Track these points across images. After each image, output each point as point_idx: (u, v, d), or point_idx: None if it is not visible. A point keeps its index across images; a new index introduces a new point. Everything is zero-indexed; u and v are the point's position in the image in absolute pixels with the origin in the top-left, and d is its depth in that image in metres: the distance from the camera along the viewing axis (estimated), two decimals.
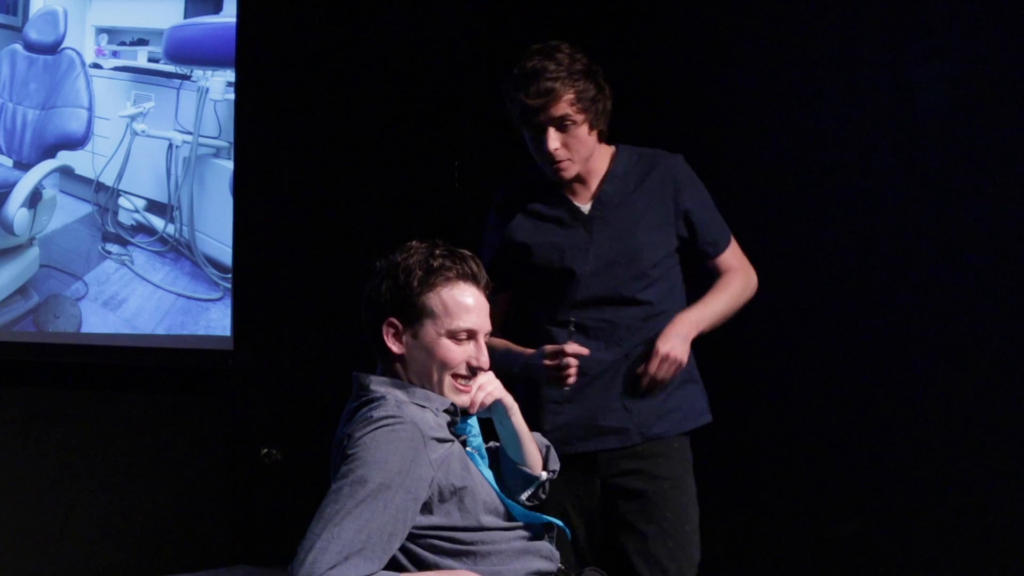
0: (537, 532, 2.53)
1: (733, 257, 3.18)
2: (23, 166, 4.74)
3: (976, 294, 3.55)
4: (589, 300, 3.06)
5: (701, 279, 3.15)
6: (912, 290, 3.65)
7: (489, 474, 2.54)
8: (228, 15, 4.70)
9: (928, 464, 3.62)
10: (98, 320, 4.72)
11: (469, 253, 2.54)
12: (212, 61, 4.71)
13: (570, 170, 3.05)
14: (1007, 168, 3.51)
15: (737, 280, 3.16)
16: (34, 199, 4.72)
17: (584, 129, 3.02)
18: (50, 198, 4.74)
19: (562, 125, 3.00)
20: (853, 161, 3.75)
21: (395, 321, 2.48)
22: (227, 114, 4.68)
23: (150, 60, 4.75)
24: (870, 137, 3.72)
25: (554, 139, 3.00)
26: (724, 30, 4.02)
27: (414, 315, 2.47)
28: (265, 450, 4.61)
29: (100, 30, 4.77)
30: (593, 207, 3.10)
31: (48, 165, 4.75)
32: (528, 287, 3.13)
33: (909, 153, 3.65)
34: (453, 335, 2.47)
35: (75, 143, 4.75)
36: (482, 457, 2.58)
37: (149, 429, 4.79)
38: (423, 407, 2.45)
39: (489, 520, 2.43)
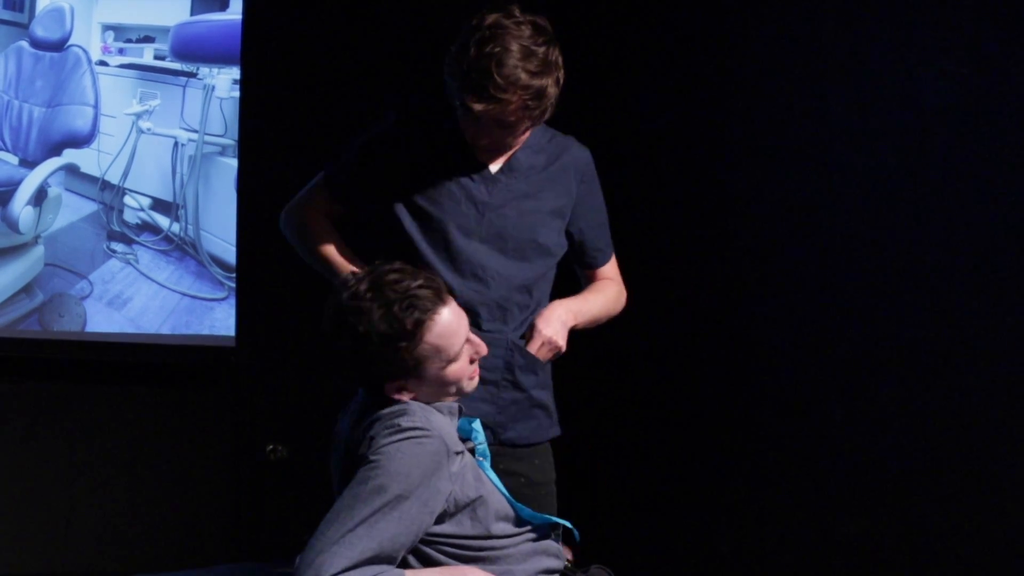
0: (543, 531, 2.55)
1: (612, 270, 3.04)
2: (28, 164, 4.73)
3: (980, 294, 3.55)
4: (474, 265, 2.83)
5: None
6: (916, 289, 3.64)
7: (495, 477, 2.55)
8: (234, 12, 4.69)
9: (931, 464, 3.62)
10: (103, 319, 4.72)
11: (419, 275, 2.43)
12: (218, 59, 4.71)
13: (492, 157, 2.83)
14: (1013, 167, 3.50)
15: (613, 288, 3.02)
16: (39, 197, 4.72)
17: (524, 127, 2.74)
18: (55, 196, 4.73)
19: (501, 125, 2.71)
20: (857, 159, 3.74)
21: (396, 379, 2.43)
22: (233, 112, 4.68)
23: (156, 57, 4.75)
24: (874, 135, 3.71)
25: (486, 136, 2.76)
26: (727, 28, 4.02)
27: (413, 366, 2.41)
28: (270, 447, 4.61)
29: (106, 27, 4.77)
30: (501, 170, 2.84)
31: (53, 163, 4.74)
32: (405, 230, 2.84)
33: (914, 152, 3.64)
34: (455, 360, 2.44)
35: (81, 141, 4.74)
36: (484, 458, 2.59)
37: (154, 425, 4.79)
38: (442, 413, 2.46)
39: (499, 528, 2.44)
